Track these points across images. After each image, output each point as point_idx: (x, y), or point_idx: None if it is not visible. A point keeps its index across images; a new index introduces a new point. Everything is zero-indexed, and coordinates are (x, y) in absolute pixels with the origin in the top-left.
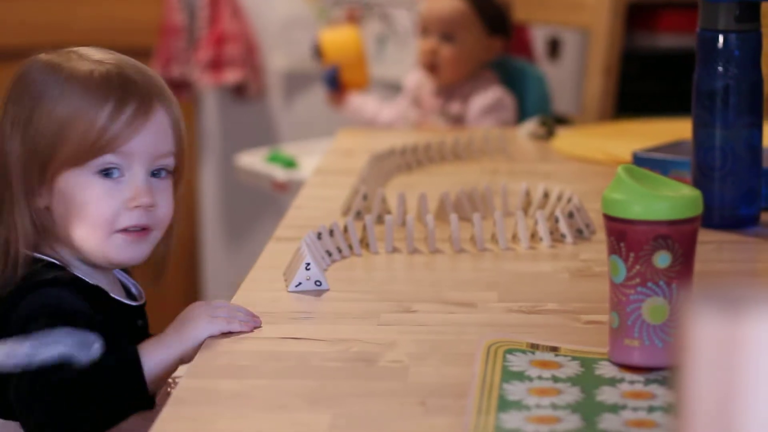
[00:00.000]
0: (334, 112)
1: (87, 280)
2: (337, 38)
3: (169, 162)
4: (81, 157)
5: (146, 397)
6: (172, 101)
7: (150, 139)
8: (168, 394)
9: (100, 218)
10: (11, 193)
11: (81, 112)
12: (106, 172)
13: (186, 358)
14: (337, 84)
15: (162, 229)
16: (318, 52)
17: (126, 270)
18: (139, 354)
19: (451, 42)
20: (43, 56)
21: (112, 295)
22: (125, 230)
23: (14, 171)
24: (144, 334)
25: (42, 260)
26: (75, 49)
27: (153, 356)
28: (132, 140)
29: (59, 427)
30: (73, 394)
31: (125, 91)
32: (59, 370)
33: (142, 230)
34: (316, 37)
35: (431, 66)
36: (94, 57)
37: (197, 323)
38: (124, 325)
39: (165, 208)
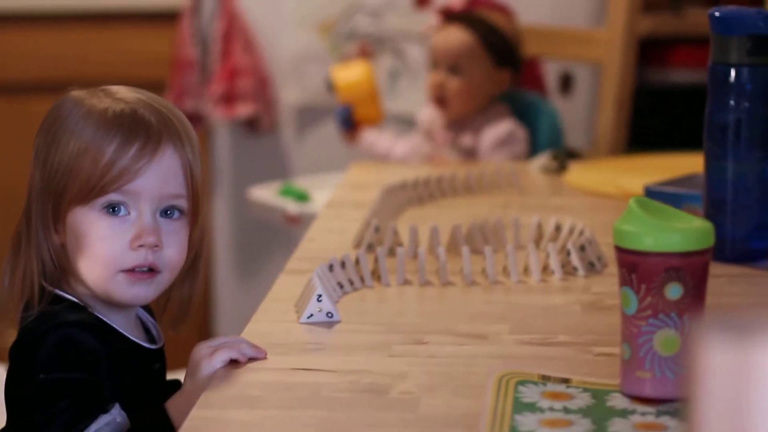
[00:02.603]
0: (347, 146)
1: (107, 321)
2: (349, 76)
3: (181, 203)
4: (87, 193)
5: None
6: (188, 144)
7: (156, 179)
8: None
9: (104, 257)
10: (31, 225)
11: (89, 148)
12: (112, 210)
13: None
14: (350, 122)
15: (171, 271)
16: (332, 86)
17: (149, 309)
18: (169, 416)
19: (458, 75)
20: (75, 91)
21: (132, 338)
22: (131, 270)
23: (34, 203)
24: (160, 376)
25: (65, 300)
26: (107, 87)
27: (181, 414)
28: (137, 179)
29: None
30: None
31: (132, 130)
32: None
33: (149, 271)
34: (329, 72)
35: (440, 99)
36: (117, 95)
37: (201, 366)
38: (141, 368)
39: (174, 249)
